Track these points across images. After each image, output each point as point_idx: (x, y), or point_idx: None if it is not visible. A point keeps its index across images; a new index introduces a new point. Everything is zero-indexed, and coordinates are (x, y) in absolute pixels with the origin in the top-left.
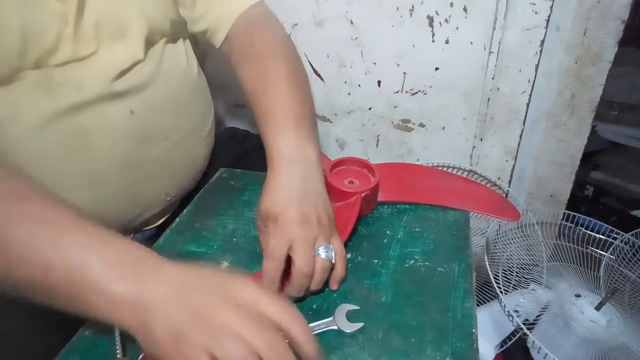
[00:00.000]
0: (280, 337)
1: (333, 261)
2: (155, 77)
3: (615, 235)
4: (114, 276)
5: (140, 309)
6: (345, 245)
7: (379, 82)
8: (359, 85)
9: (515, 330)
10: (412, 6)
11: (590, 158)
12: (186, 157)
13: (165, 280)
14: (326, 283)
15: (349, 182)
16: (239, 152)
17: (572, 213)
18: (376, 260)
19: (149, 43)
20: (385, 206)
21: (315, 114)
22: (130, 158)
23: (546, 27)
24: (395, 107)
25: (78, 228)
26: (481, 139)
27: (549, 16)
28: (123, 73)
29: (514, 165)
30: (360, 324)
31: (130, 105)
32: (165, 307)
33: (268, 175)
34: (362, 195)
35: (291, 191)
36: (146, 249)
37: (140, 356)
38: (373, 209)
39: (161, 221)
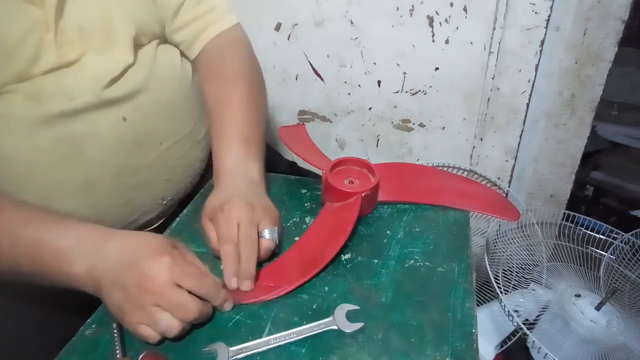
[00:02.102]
0: (190, 303)
1: (277, 242)
2: (148, 82)
3: (615, 235)
4: (69, 260)
5: (94, 283)
6: (345, 245)
7: (379, 82)
8: (359, 85)
9: (515, 330)
10: (412, 6)
11: (590, 158)
12: (182, 161)
13: (108, 257)
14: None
15: (349, 182)
16: None
17: (572, 213)
18: (376, 260)
19: (138, 46)
20: (385, 206)
21: (264, 136)
22: (124, 164)
23: (546, 27)
24: (395, 107)
25: (41, 218)
26: (481, 139)
27: (549, 16)
28: (114, 80)
29: (514, 165)
30: (360, 324)
31: (122, 112)
32: (108, 285)
33: (214, 188)
34: (362, 195)
35: (235, 190)
36: (92, 227)
37: (141, 356)
38: (373, 209)
39: (160, 222)
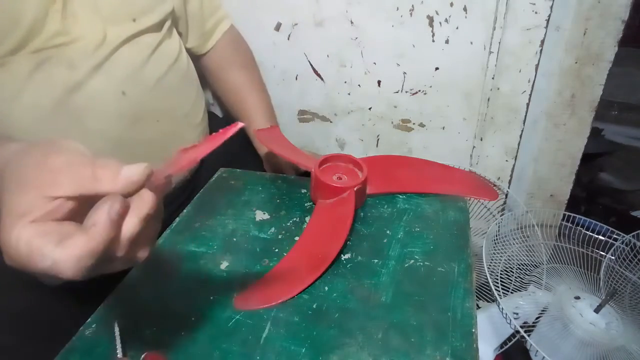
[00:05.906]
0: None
1: None
2: (148, 61)
3: (616, 237)
4: None
5: None
6: (345, 244)
7: (379, 82)
8: (359, 85)
9: (514, 331)
10: (412, 6)
11: (594, 160)
12: (178, 141)
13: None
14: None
15: (337, 178)
16: (235, 149)
17: (573, 214)
18: (376, 260)
19: (145, 28)
20: (386, 206)
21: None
22: (123, 138)
23: (546, 27)
24: (395, 107)
25: None
26: (481, 139)
27: (549, 16)
28: (115, 50)
29: (514, 165)
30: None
31: (122, 86)
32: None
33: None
34: (355, 189)
35: None
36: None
37: (142, 356)
38: (363, 202)
39: None
